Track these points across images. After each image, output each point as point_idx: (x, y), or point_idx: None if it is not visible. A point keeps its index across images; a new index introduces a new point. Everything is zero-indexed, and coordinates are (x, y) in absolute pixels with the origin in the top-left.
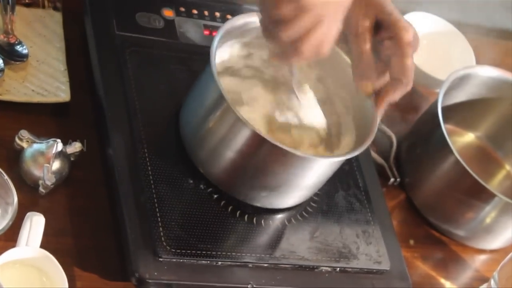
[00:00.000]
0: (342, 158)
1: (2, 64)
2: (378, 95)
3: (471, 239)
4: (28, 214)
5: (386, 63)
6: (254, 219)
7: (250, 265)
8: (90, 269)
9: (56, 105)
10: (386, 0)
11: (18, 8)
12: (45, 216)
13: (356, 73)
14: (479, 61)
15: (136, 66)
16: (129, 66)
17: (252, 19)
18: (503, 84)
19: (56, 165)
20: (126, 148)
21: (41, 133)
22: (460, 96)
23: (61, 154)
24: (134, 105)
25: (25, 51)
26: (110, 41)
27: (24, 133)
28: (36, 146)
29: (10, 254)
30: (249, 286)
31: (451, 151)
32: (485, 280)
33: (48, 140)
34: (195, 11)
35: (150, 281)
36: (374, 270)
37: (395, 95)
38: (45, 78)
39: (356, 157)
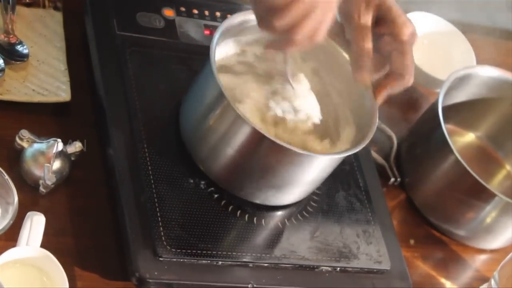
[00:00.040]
0: (342, 155)
1: (3, 64)
2: (377, 86)
3: (471, 239)
4: (29, 213)
5: (386, 58)
6: (255, 218)
7: (251, 264)
8: (91, 269)
9: (57, 105)
10: None
11: (18, 8)
12: (45, 216)
13: (355, 66)
14: (479, 61)
15: (137, 66)
16: (129, 66)
17: (250, 17)
18: (503, 84)
19: (56, 164)
20: (126, 147)
21: (42, 133)
22: (461, 96)
23: (61, 154)
24: (134, 105)
25: (25, 51)
26: (111, 41)
27: (24, 132)
28: (36, 145)
29: (11, 254)
30: (249, 286)
31: (451, 151)
32: (486, 280)
33: (49, 140)
34: (195, 11)
35: (150, 280)
36: (375, 270)
37: (395, 89)
38: (45, 77)
39: (357, 157)
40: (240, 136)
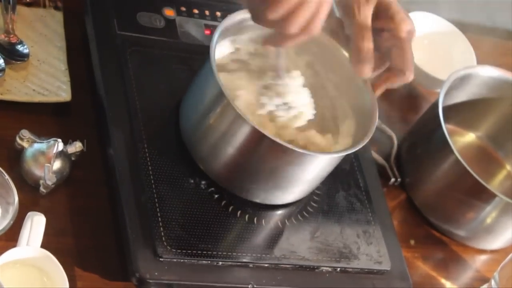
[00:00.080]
0: (342, 154)
1: (3, 64)
2: (377, 80)
3: (471, 239)
4: (29, 214)
5: (386, 54)
6: (255, 219)
7: (251, 265)
8: (91, 269)
9: (57, 105)
10: None
11: (19, 8)
12: (45, 216)
13: (354, 60)
14: (480, 61)
15: (137, 65)
16: (130, 66)
17: (249, 16)
18: (503, 84)
19: (57, 164)
20: (126, 147)
21: (42, 133)
22: (461, 96)
23: (62, 154)
24: (135, 105)
25: (26, 51)
26: (111, 41)
27: (25, 132)
28: (37, 145)
29: (11, 254)
30: (249, 286)
31: (451, 151)
32: (486, 280)
33: (49, 140)
34: (196, 11)
35: (150, 281)
36: (375, 270)
37: (395, 84)
38: (46, 77)
39: (357, 157)
40: (240, 135)
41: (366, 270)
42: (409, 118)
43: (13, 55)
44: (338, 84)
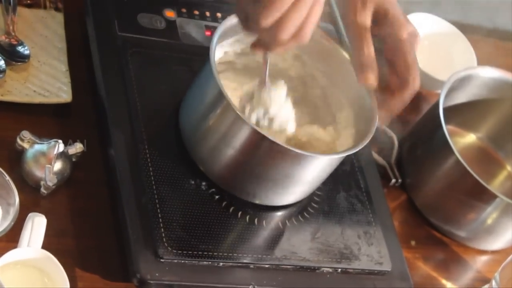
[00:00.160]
0: (342, 155)
1: (4, 65)
2: (382, 106)
3: (472, 240)
4: (30, 215)
5: (391, 64)
6: (255, 219)
7: (251, 266)
8: (92, 270)
9: (58, 106)
10: None
11: (19, 9)
12: (46, 217)
13: (357, 68)
14: (480, 62)
15: (138, 66)
16: (130, 67)
17: None
18: (504, 85)
19: (57, 165)
20: (127, 148)
21: (43, 134)
22: (462, 97)
23: (62, 155)
24: (135, 106)
25: (26, 52)
26: (112, 42)
27: (25, 133)
28: (37, 146)
29: (12, 255)
30: (250, 287)
31: (452, 152)
32: (487, 281)
33: (50, 141)
34: (196, 12)
35: (151, 282)
36: (376, 271)
37: (404, 96)
38: (46, 78)
39: (357, 158)
40: (240, 137)
41: (367, 271)
42: (410, 119)
43: (13, 56)
44: (327, 72)
